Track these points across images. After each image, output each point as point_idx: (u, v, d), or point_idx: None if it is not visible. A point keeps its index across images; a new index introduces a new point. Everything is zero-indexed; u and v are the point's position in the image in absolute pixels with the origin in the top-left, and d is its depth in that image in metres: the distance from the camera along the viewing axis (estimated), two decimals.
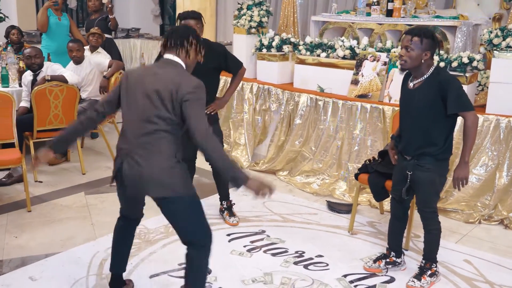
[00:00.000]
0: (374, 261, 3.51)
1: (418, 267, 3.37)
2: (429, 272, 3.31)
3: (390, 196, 3.48)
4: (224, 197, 4.25)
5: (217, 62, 3.84)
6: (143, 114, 2.57)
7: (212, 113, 3.95)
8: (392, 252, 3.50)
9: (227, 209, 4.23)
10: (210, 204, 4.48)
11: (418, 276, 3.30)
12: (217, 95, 4.10)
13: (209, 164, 4.09)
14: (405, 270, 3.48)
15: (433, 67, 3.10)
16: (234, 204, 4.29)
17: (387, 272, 3.45)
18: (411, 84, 3.16)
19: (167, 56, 2.67)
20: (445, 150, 3.13)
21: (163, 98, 2.51)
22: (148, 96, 2.55)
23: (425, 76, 3.09)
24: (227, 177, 2.54)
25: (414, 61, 3.05)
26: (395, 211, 3.45)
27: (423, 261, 3.35)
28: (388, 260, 3.49)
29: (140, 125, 2.59)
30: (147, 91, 2.56)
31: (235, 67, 4.00)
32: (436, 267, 3.34)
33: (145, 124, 2.57)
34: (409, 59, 3.05)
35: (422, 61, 3.05)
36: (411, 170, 3.18)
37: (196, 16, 3.79)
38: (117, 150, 2.76)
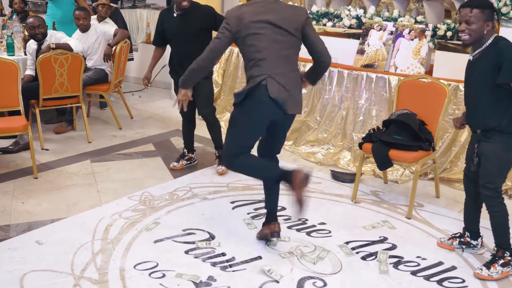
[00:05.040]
0: (449, 238, 3.41)
1: (491, 255, 3.16)
2: (502, 261, 3.07)
3: (463, 173, 3.31)
4: (218, 146, 4.56)
5: (207, 22, 4.21)
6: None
7: None
8: (467, 232, 3.35)
9: (219, 157, 4.54)
10: (214, 173, 4.52)
11: (488, 264, 3.09)
12: None
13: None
14: (428, 243, 3.47)
15: (493, 36, 2.94)
16: None
17: (462, 252, 3.33)
18: (471, 57, 3.03)
19: None
20: (511, 123, 2.96)
21: None
22: None
23: (483, 46, 2.95)
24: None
25: (477, 34, 2.90)
26: (467, 188, 3.29)
27: (495, 248, 3.13)
28: (462, 240, 3.35)
29: None
30: None
31: None
32: (510, 256, 3.09)
33: None
34: (473, 32, 2.90)
35: (485, 32, 2.90)
36: (478, 142, 3.06)
37: None
38: None
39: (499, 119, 2.95)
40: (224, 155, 3.26)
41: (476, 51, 3.00)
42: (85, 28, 5.64)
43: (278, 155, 3.37)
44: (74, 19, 5.63)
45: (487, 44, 2.94)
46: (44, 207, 3.83)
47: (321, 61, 3.12)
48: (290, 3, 5.64)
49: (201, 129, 4.85)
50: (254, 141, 3.18)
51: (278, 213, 3.79)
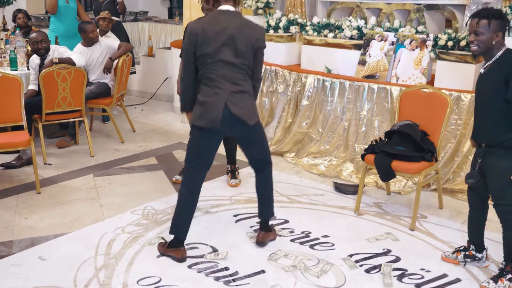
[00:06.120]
0: (453, 252, 3.36)
1: (498, 269, 3.14)
2: (510, 276, 3.04)
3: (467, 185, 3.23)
4: (231, 161, 4.59)
5: None
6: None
7: None
8: (471, 245, 3.29)
9: (231, 171, 4.60)
10: (217, 186, 4.51)
11: (496, 278, 3.05)
12: None
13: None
14: (432, 255, 3.44)
15: (504, 48, 2.91)
16: (238, 168, 4.64)
17: (465, 265, 3.29)
18: (482, 69, 3.01)
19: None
20: None
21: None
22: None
23: (493, 58, 2.93)
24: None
25: (486, 45, 2.88)
26: (470, 200, 3.25)
27: (503, 263, 3.09)
28: (467, 253, 3.30)
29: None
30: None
31: None
32: None
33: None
34: (481, 43, 2.88)
35: (493, 43, 2.88)
36: (481, 157, 3.01)
37: None
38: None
39: (506, 134, 2.91)
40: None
41: (487, 64, 2.97)
42: (96, 40, 5.67)
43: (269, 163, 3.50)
44: (88, 33, 5.62)
45: (497, 57, 2.92)
46: (47, 222, 3.83)
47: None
48: (291, 15, 5.67)
49: None
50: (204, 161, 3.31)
51: (281, 226, 3.79)
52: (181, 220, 3.33)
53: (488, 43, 2.89)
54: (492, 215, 3.24)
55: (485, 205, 3.23)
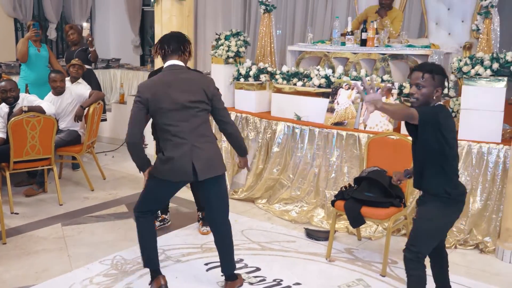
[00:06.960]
0: None
1: None
2: None
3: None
4: (202, 208, 4.51)
5: None
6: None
7: None
8: None
9: (202, 218, 4.54)
10: (188, 233, 4.48)
11: None
12: None
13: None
14: None
15: (437, 103, 2.97)
16: None
17: None
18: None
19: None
20: (451, 188, 2.96)
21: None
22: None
23: None
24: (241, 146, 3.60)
25: (425, 99, 2.92)
26: None
27: None
28: None
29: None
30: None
31: None
32: None
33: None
34: (421, 96, 2.91)
35: (434, 97, 2.92)
36: (418, 205, 3.10)
37: None
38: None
39: (444, 182, 2.95)
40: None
41: None
42: (61, 91, 5.68)
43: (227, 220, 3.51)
44: (51, 81, 5.66)
45: None
46: (12, 274, 3.72)
47: (227, 132, 3.45)
48: (261, 64, 5.80)
49: None
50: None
51: (253, 274, 3.77)
52: (151, 250, 3.43)
53: (429, 97, 2.92)
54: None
55: (442, 251, 3.22)
